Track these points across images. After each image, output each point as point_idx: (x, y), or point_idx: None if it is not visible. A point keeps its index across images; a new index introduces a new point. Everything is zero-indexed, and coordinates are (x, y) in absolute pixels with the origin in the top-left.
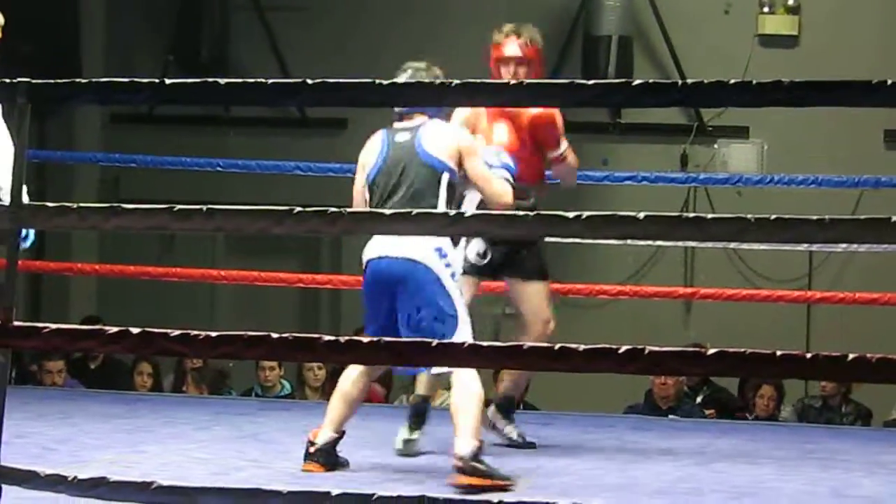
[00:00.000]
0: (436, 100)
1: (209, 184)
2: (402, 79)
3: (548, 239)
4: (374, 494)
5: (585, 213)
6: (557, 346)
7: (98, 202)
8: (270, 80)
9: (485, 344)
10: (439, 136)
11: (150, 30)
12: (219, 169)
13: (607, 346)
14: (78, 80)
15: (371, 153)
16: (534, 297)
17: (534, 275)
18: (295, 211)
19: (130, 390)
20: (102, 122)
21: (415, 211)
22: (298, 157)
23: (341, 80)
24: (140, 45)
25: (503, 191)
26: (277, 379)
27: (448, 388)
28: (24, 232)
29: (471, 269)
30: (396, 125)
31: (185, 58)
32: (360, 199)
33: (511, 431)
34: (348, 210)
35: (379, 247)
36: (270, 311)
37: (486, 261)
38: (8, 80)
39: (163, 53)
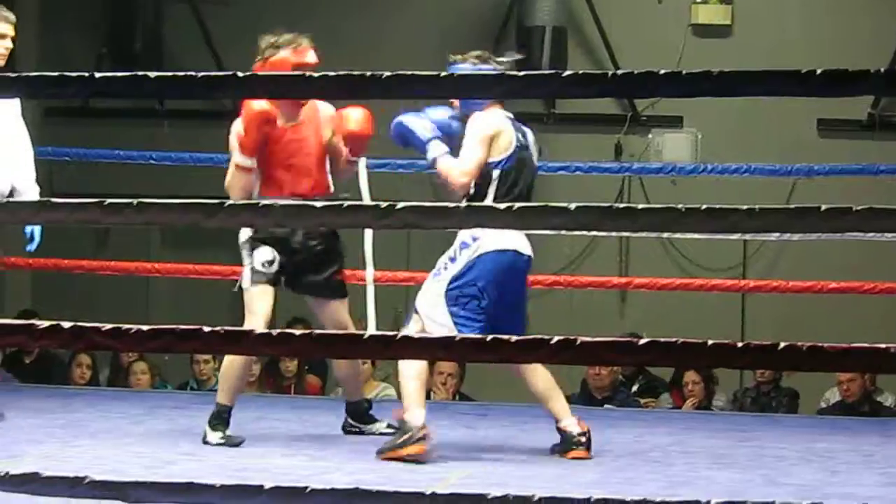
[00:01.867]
0: (363, 92)
1: (145, 177)
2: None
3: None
4: (307, 487)
5: (517, 204)
6: (490, 336)
7: None
8: (201, 74)
9: (416, 336)
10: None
11: (85, 23)
12: (152, 161)
13: (539, 336)
14: (8, 73)
15: (507, 138)
16: (342, 314)
17: (338, 292)
18: (226, 204)
19: (66, 384)
20: (36, 116)
21: (345, 203)
22: None
23: (272, 73)
24: (74, 38)
25: None
26: (212, 372)
27: (384, 378)
28: (28, 231)
29: (263, 279)
30: (509, 115)
31: (119, 50)
32: (474, 172)
33: (378, 428)
34: (279, 202)
35: (522, 241)
36: (205, 303)
37: (273, 269)
38: None
39: (97, 46)
